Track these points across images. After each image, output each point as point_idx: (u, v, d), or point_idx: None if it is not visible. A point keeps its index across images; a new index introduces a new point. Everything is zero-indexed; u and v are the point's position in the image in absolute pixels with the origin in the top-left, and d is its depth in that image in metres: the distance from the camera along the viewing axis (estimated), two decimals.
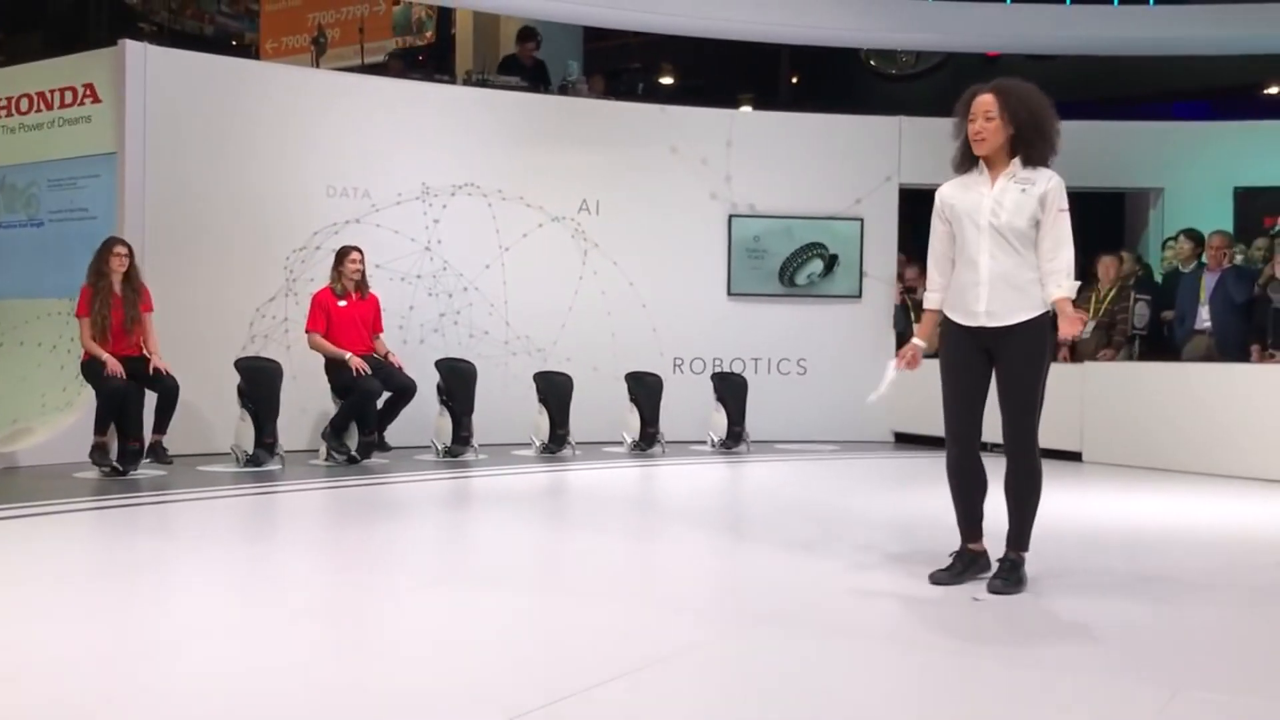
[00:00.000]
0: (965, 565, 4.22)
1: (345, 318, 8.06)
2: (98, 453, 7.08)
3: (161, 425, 7.33)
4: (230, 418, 7.70)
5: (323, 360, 8.03)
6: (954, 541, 4.34)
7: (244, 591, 4.24)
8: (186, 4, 15.43)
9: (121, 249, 7.37)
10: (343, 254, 8.17)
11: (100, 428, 7.10)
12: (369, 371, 7.85)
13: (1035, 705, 2.90)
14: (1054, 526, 5.84)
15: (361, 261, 8.17)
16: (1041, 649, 3.41)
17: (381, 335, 8.34)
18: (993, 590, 4.02)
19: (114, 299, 7.27)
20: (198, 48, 10.80)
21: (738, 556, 5.01)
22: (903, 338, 9.20)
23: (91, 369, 7.20)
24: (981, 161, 4.15)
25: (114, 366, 7.07)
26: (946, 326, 4.23)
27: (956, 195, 4.17)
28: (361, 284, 8.18)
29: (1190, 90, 13.49)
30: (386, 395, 8.04)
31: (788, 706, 2.87)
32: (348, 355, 7.88)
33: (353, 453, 7.88)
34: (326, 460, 7.91)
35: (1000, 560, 4.15)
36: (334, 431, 7.85)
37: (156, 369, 7.26)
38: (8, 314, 8.91)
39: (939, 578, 4.14)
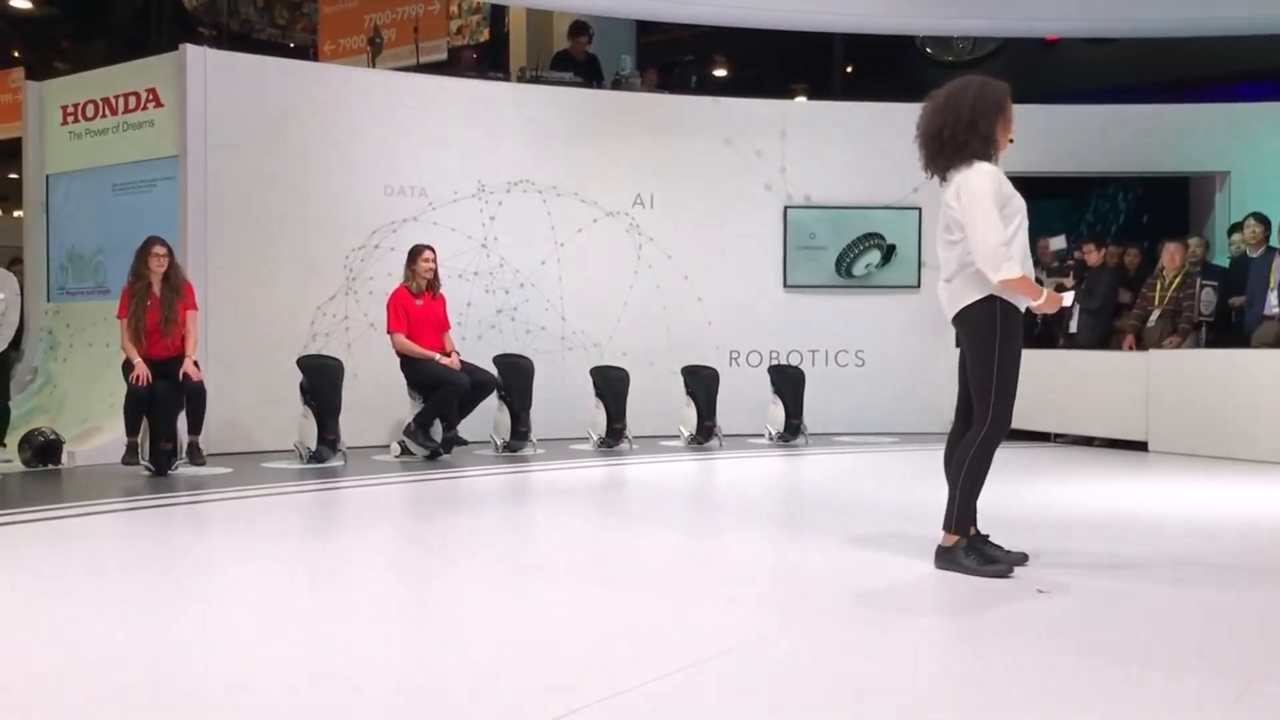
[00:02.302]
0: (995, 548, 4.30)
1: (422, 316, 8.13)
2: (129, 453, 7.17)
3: (194, 427, 7.33)
4: (293, 415, 7.81)
5: (397, 359, 8.09)
6: (1014, 534, 4.31)
7: (308, 585, 4.31)
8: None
9: (160, 249, 7.37)
10: (415, 253, 8.22)
11: (129, 429, 7.16)
12: (459, 368, 7.99)
13: (1103, 698, 2.86)
14: (1122, 516, 5.75)
15: (434, 260, 8.23)
16: (1109, 641, 3.36)
17: (449, 332, 8.40)
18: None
19: (151, 299, 7.29)
20: (257, 50, 10.95)
21: (796, 550, 5.00)
22: None
23: (125, 370, 7.28)
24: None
25: (140, 371, 7.11)
26: (1014, 314, 4.15)
27: (1011, 191, 4.17)
28: (434, 282, 8.23)
29: (1256, 71, 13.16)
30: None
31: (846, 699, 2.85)
32: (437, 356, 8.01)
33: (438, 446, 7.96)
34: (403, 455, 8.00)
35: (987, 538, 4.31)
36: (419, 427, 7.91)
37: (186, 373, 7.23)
38: (77, 315, 9.12)
39: (1001, 570, 4.10)
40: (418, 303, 8.13)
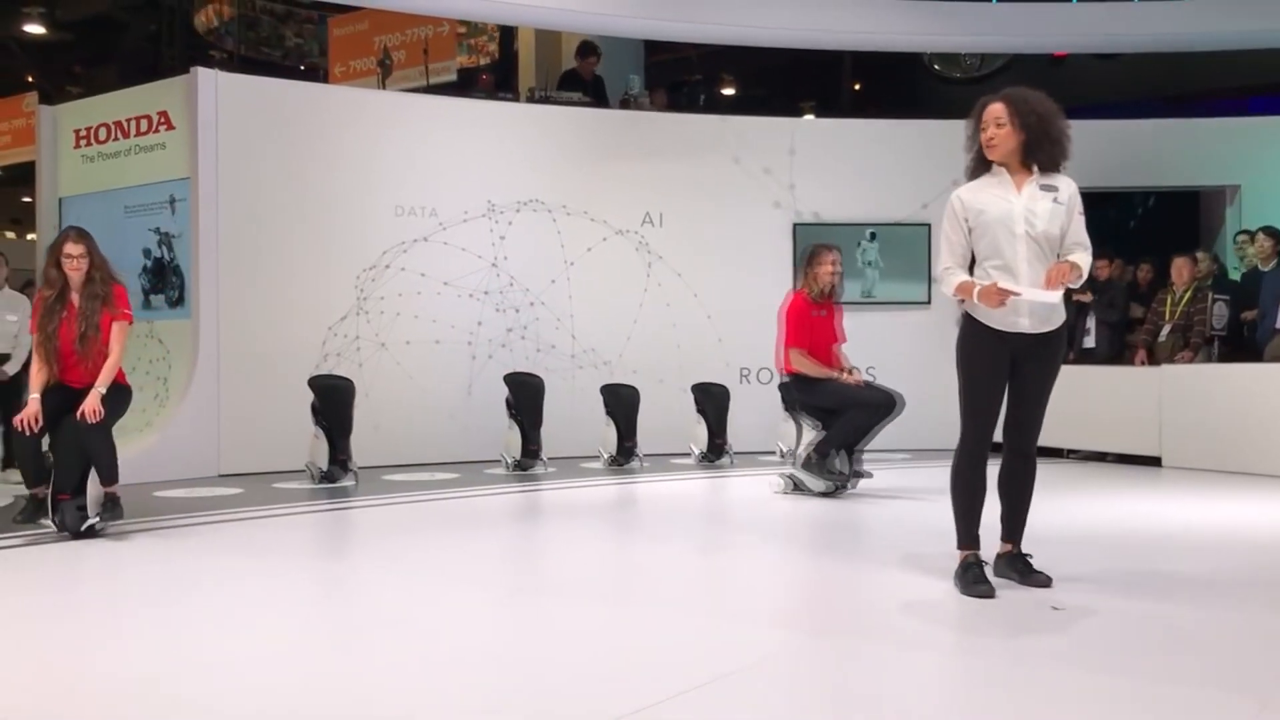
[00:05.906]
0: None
1: (820, 328, 7.08)
2: (28, 508, 5.70)
3: (105, 477, 5.43)
4: (304, 435, 7.82)
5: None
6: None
7: (321, 605, 4.30)
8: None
9: (74, 248, 5.50)
10: (814, 255, 7.12)
11: (25, 479, 5.61)
12: (862, 386, 7.02)
13: (1119, 715, 2.84)
14: (1137, 532, 5.73)
15: (837, 264, 7.07)
16: (1125, 659, 3.34)
17: (842, 345, 7.26)
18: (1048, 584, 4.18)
19: (67, 310, 5.51)
20: (267, 73, 11.03)
21: (808, 567, 4.98)
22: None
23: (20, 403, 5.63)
24: (998, 167, 4.21)
25: (26, 414, 5.35)
26: (975, 330, 4.20)
27: (984, 202, 4.17)
28: (836, 289, 7.14)
29: (1266, 85, 13.17)
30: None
31: (862, 718, 2.84)
32: (837, 374, 7.00)
33: (840, 479, 6.97)
34: (794, 491, 7.07)
35: (1023, 555, 4.28)
36: (820, 457, 6.87)
37: (83, 412, 5.29)
38: None
39: (984, 591, 4.06)
40: (817, 312, 7.05)
